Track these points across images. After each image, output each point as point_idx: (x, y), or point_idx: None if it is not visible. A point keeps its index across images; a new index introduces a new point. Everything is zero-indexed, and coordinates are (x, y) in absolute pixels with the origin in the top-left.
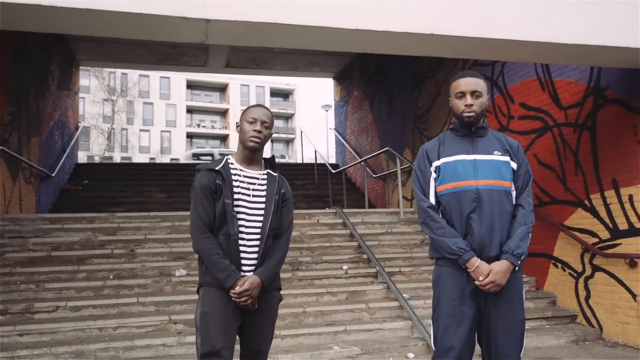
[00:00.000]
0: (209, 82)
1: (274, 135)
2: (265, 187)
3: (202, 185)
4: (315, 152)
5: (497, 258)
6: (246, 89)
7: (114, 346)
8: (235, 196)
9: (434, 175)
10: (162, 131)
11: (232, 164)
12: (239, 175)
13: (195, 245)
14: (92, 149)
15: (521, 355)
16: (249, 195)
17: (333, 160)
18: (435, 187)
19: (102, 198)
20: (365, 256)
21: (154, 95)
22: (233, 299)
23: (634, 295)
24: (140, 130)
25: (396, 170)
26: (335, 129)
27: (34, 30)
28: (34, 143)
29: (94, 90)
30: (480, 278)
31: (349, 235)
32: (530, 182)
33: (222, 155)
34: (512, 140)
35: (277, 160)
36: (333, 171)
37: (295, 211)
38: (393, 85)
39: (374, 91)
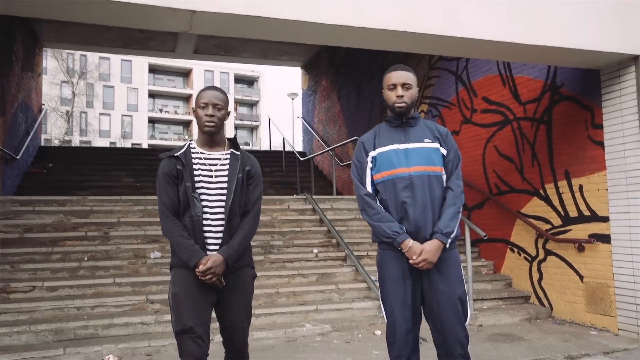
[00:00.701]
0: (172, 67)
1: (238, 122)
2: (227, 166)
3: (163, 173)
4: (284, 139)
5: None
6: (210, 75)
7: (93, 324)
8: (197, 178)
9: (370, 165)
10: (123, 115)
11: (194, 148)
12: (200, 159)
13: (162, 229)
14: (50, 132)
15: (466, 325)
16: (211, 177)
17: (299, 148)
18: (372, 175)
19: (69, 182)
20: (334, 240)
21: (115, 79)
22: (199, 277)
23: (581, 277)
24: (101, 114)
25: None
26: (302, 117)
27: (18, 15)
28: None
29: (53, 72)
30: (414, 257)
31: (318, 221)
32: (459, 166)
33: None
34: (442, 127)
35: (241, 147)
36: (301, 159)
37: (267, 197)
38: (361, 76)
39: (342, 81)
